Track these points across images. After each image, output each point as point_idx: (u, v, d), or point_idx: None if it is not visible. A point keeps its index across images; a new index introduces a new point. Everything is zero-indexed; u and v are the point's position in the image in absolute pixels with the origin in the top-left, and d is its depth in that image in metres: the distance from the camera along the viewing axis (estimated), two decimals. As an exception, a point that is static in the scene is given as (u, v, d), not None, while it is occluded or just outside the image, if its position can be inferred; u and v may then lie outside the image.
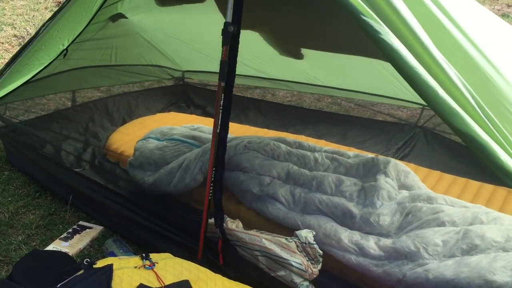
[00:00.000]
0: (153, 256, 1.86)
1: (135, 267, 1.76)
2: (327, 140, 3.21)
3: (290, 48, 3.03)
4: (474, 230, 2.03)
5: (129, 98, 3.76)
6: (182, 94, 4.02)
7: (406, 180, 2.45)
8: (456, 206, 2.26)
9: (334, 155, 2.64)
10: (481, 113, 1.33)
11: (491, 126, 1.33)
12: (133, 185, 2.67)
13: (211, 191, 2.11)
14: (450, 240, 2.02)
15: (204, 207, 2.13)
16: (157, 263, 1.80)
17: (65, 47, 2.65)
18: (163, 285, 1.67)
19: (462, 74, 1.40)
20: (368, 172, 2.49)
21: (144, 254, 1.84)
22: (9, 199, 2.76)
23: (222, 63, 1.96)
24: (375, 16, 1.42)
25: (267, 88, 4.14)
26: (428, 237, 2.03)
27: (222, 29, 1.91)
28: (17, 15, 6.24)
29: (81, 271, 1.74)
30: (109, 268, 1.70)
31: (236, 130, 3.03)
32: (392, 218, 2.20)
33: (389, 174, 2.43)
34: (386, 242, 2.10)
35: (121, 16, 3.12)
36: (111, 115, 3.54)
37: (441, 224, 2.12)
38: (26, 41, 5.33)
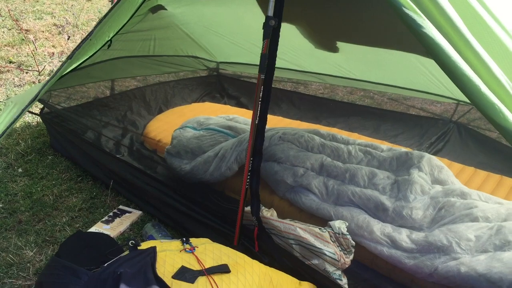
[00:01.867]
0: (193, 240, 1.93)
1: (177, 250, 1.84)
2: (359, 133, 3.23)
3: (326, 41, 3.04)
4: (507, 227, 2.04)
5: (166, 88, 3.85)
6: (216, 84, 4.09)
7: (439, 175, 2.46)
8: (490, 202, 2.26)
9: (368, 148, 2.67)
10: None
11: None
12: (170, 171, 2.76)
13: (248, 180, 2.17)
14: (483, 235, 2.04)
15: (239, 196, 2.19)
16: (197, 247, 1.87)
17: (110, 38, 2.74)
18: (203, 268, 1.75)
19: (504, 70, 1.41)
20: (401, 166, 2.51)
21: (184, 239, 1.92)
22: (53, 182, 2.89)
23: (262, 56, 1.99)
24: (417, 9, 1.42)
25: (300, 80, 4.17)
26: (461, 232, 2.05)
27: (263, 23, 1.94)
28: (56, 4, 6.42)
29: (127, 252, 1.83)
30: (153, 250, 1.78)
31: (270, 121, 3.04)
32: (425, 212, 2.23)
33: (423, 168, 2.44)
34: (419, 235, 2.13)
35: (160, 7, 3.20)
36: (148, 104, 3.64)
37: (475, 219, 2.14)
38: (65, 30, 5.50)
